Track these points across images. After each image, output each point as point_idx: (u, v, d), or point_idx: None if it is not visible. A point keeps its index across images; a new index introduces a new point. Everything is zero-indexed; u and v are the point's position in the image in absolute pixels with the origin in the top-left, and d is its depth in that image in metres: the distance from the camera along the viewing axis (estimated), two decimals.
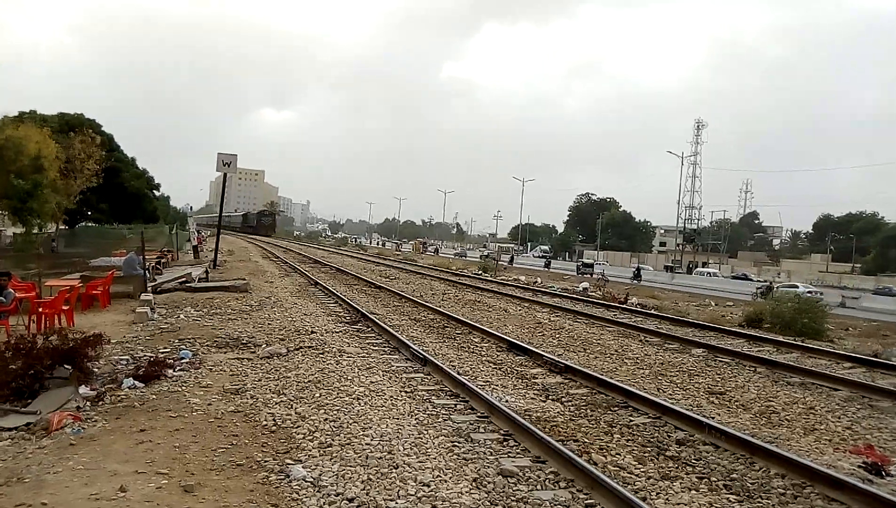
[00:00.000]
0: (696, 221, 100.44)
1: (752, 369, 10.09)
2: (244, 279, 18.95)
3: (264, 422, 6.02)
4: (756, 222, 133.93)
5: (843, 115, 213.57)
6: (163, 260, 23.34)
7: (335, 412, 6.34)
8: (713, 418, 6.91)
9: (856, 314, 27.60)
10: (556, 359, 9.35)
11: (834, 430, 6.94)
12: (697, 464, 5.51)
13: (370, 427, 5.91)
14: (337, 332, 11.35)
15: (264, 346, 9.55)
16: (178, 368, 7.97)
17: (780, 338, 13.93)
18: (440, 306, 15.91)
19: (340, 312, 14.22)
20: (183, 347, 9.26)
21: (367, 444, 5.48)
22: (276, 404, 6.63)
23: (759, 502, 4.78)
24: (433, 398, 7.18)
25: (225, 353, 9.17)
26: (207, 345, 9.59)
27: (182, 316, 12.36)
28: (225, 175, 25.20)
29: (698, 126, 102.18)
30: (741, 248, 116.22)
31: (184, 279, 17.96)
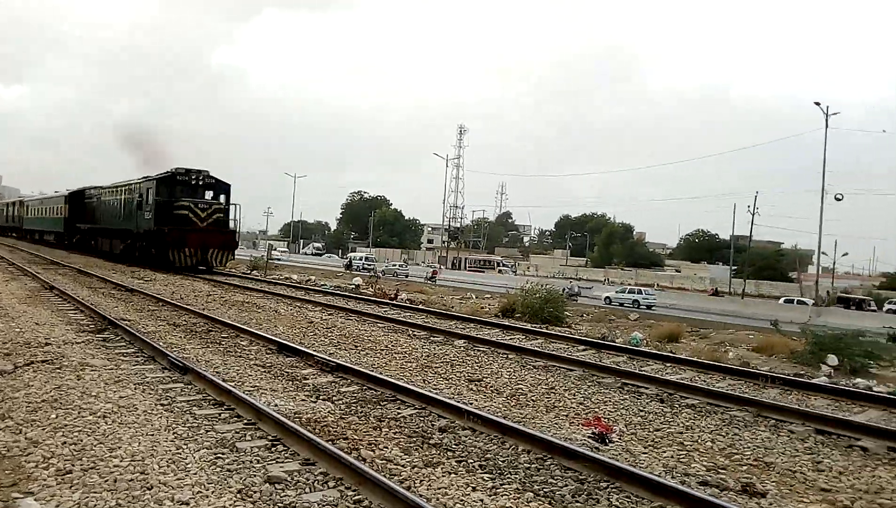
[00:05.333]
0: (459, 219, 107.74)
1: (505, 355, 11.13)
2: None
3: None
4: (510, 221, 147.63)
5: (585, 125, 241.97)
6: None
7: (76, 434, 5.64)
8: (471, 404, 7.49)
9: (588, 303, 31.86)
10: (328, 358, 9.36)
11: (570, 406, 7.94)
12: (457, 449, 5.93)
13: (119, 448, 5.36)
14: (78, 343, 10.06)
15: None
16: None
17: (529, 326, 15.56)
18: (204, 309, 14.94)
19: (83, 319, 12.63)
20: None
21: (115, 466, 4.97)
22: (0, 430, 5.69)
23: (508, 477, 5.29)
24: (195, 408, 6.73)
25: None
26: None
27: None
28: None
29: (461, 131, 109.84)
30: (498, 245, 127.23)
31: None
